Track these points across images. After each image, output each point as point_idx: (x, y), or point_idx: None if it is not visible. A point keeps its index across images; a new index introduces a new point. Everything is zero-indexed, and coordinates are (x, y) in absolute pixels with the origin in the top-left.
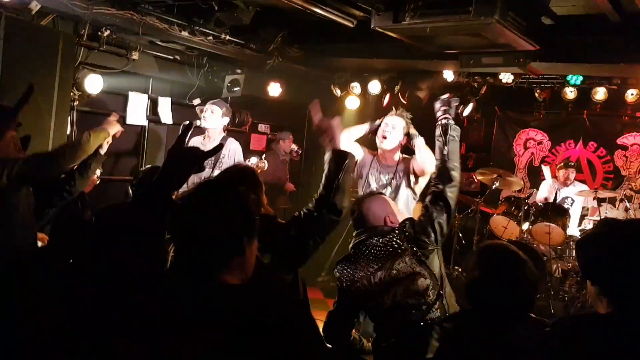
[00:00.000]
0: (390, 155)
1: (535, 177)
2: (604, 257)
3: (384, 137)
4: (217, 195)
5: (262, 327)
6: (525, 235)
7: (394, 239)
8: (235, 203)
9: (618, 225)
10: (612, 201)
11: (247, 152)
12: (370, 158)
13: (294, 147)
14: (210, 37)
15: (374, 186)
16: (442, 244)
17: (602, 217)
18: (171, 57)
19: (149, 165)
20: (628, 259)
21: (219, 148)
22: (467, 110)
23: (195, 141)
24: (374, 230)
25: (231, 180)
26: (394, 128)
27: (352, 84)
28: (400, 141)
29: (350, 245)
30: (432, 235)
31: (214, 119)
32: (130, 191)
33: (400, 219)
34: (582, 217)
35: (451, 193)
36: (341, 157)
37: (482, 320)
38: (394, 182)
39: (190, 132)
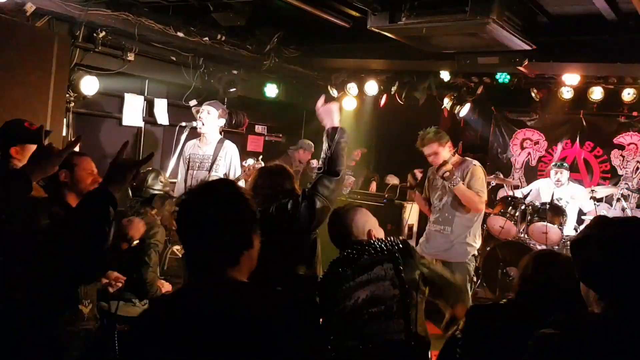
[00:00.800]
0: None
1: (532, 177)
2: (602, 262)
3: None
4: (224, 191)
5: (266, 328)
6: (522, 235)
7: (381, 249)
8: (242, 198)
9: (614, 226)
10: (609, 201)
11: (244, 153)
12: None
13: (314, 162)
14: (206, 38)
15: (434, 195)
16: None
17: (596, 215)
18: (167, 58)
19: (149, 168)
20: (627, 261)
21: (150, 157)
22: (464, 111)
23: (191, 144)
24: (362, 247)
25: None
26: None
27: (349, 85)
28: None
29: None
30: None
31: (210, 120)
32: (130, 192)
33: (381, 234)
34: (580, 219)
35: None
36: (332, 132)
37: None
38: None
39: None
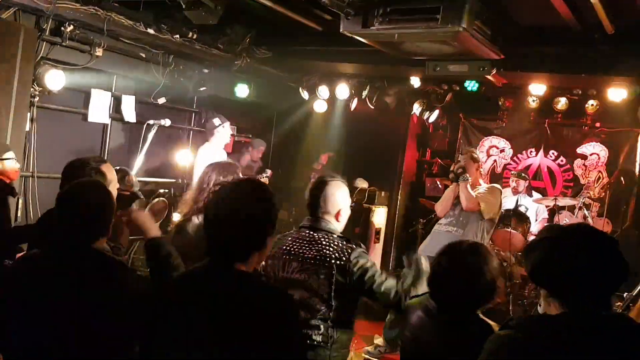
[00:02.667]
0: None
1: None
2: (546, 261)
3: None
4: (252, 191)
5: (261, 316)
6: (486, 241)
7: (332, 251)
8: (267, 201)
9: (559, 230)
10: (571, 209)
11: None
12: None
13: (268, 172)
14: (177, 36)
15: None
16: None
17: (547, 224)
18: (136, 55)
19: (117, 168)
20: (569, 261)
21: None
22: (433, 117)
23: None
24: (322, 227)
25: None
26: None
27: (320, 88)
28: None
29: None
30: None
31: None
32: None
33: (347, 214)
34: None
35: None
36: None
37: (439, 310)
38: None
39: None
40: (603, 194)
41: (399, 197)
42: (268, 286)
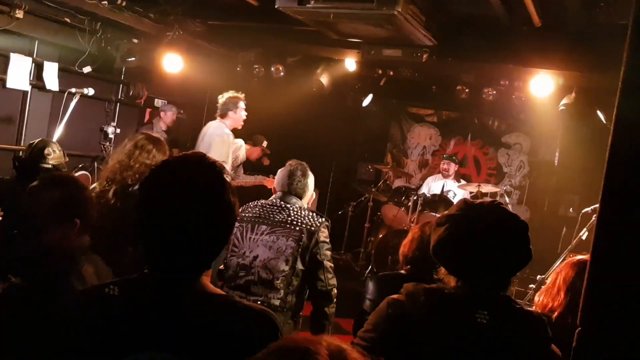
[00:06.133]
0: None
1: (425, 169)
2: (451, 238)
3: None
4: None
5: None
6: (412, 224)
7: (302, 218)
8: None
9: (471, 208)
10: (493, 196)
11: (140, 126)
12: None
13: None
14: (105, 2)
15: None
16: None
17: (461, 199)
18: (61, 20)
19: (40, 139)
20: (474, 241)
21: None
22: (367, 101)
23: None
24: (292, 201)
25: None
26: None
27: (255, 65)
28: None
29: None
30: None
31: None
32: (16, 164)
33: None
34: None
35: None
36: None
37: None
38: None
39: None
40: (524, 182)
41: (330, 181)
42: (250, 309)
